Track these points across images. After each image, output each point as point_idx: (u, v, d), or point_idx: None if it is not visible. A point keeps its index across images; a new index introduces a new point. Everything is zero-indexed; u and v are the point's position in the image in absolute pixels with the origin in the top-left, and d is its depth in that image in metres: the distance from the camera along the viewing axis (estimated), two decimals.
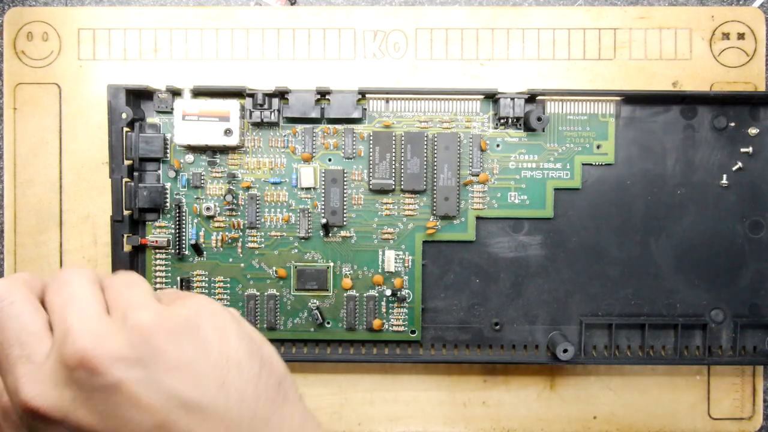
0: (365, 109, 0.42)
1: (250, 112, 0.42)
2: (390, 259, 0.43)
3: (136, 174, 0.42)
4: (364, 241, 0.43)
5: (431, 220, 0.43)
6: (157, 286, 0.43)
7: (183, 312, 0.23)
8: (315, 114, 0.42)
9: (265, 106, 0.42)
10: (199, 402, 0.21)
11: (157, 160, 0.42)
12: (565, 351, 0.41)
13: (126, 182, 0.41)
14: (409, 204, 0.43)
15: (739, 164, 0.43)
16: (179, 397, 0.21)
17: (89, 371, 0.20)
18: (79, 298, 0.22)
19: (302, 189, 0.43)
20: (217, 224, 0.43)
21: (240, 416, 0.22)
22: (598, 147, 0.43)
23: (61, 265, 0.44)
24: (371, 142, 0.42)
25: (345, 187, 0.42)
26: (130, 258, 0.42)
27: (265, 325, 0.43)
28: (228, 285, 0.43)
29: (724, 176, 0.43)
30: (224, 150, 0.42)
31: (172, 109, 0.41)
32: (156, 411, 0.20)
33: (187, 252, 0.43)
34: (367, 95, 0.42)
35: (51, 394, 0.21)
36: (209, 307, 0.23)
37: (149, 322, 0.22)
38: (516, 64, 0.44)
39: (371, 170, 0.42)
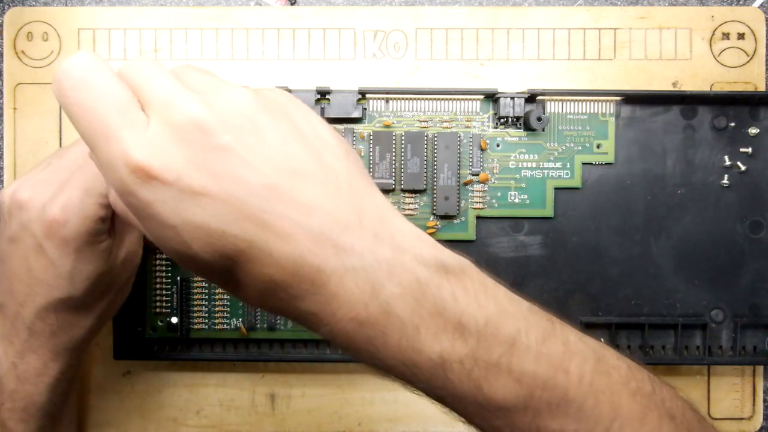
0: (365, 108, 0.42)
1: None
2: None
3: None
4: None
5: (431, 219, 0.43)
6: (157, 286, 0.43)
7: (272, 95, 0.24)
8: None
9: None
10: (304, 168, 0.22)
11: None
12: None
13: None
14: (409, 203, 0.43)
15: (739, 164, 0.43)
16: (286, 162, 0.22)
17: (202, 131, 0.21)
18: (164, 76, 0.23)
19: None
20: None
21: (339, 185, 0.23)
22: (598, 146, 0.43)
23: None
24: (371, 141, 0.42)
25: None
26: None
27: (265, 325, 0.43)
28: None
29: (725, 176, 0.43)
30: None
31: None
32: (267, 173, 0.22)
33: None
34: (367, 95, 0.42)
35: (163, 153, 0.21)
36: (290, 96, 0.25)
37: (247, 99, 0.23)
38: (516, 64, 0.44)
39: (371, 170, 0.42)
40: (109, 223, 0.32)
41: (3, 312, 0.33)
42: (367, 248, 0.23)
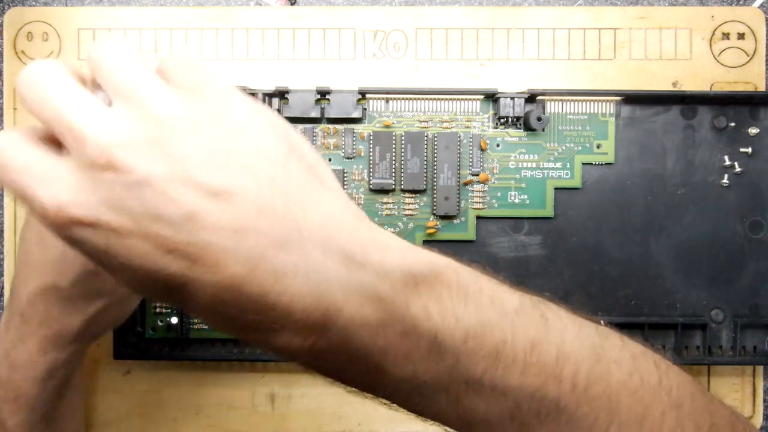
0: (365, 109, 0.42)
1: None
2: None
3: None
4: None
5: (431, 219, 0.43)
6: None
7: (204, 97, 0.22)
8: (315, 114, 0.42)
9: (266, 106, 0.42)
10: (228, 188, 0.20)
11: None
12: None
13: None
14: (409, 204, 0.43)
15: (739, 164, 0.43)
16: (207, 185, 0.20)
17: (113, 169, 0.20)
18: (71, 96, 0.21)
19: None
20: None
21: (273, 199, 0.20)
22: (598, 146, 0.43)
23: None
24: (371, 142, 0.42)
25: (345, 186, 0.42)
26: None
27: None
28: None
29: (725, 176, 0.43)
30: None
31: None
32: (186, 201, 0.20)
33: None
34: (367, 95, 0.42)
35: (78, 197, 0.20)
36: (231, 93, 0.22)
37: (170, 112, 0.21)
38: (516, 64, 0.44)
39: (371, 170, 0.42)
40: None
41: (11, 297, 0.34)
42: (313, 267, 0.20)
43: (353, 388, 0.23)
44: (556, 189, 0.43)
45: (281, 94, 0.42)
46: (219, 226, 0.20)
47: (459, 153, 0.42)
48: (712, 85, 0.44)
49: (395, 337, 0.21)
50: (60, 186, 0.20)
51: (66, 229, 0.20)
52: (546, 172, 0.43)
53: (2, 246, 0.45)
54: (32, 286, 0.32)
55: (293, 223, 0.20)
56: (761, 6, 0.45)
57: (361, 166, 0.43)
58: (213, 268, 0.20)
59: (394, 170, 0.42)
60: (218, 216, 0.20)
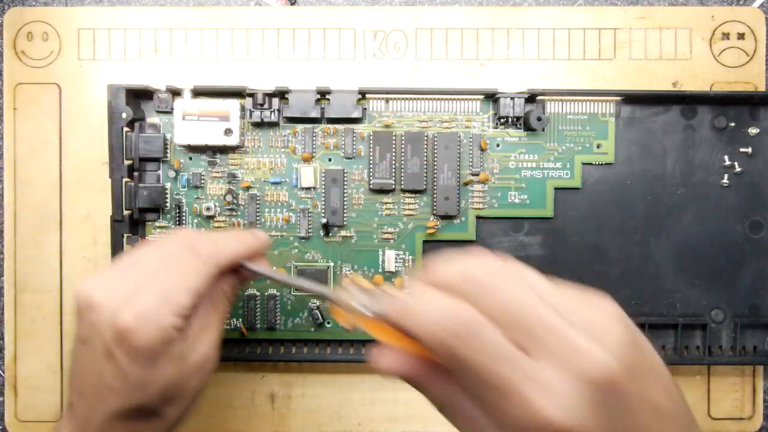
0: (365, 108, 0.42)
1: (250, 112, 0.42)
2: (390, 259, 0.43)
3: (136, 174, 0.42)
4: (364, 241, 0.43)
5: (431, 219, 0.43)
6: None
7: (640, 349, 0.22)
8: (315, 114, 0.42)
9: (265, 106, 0.42)
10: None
11: (157, 160, 0.42)
12: None
13: (126, 182, 0.41)
14: (409, 204, 0.43)
15: (739, 164, 0.43)
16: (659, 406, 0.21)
17: (616, 391, 0.20)
18: (543, 305, 0.21)
19: (302, 189, 0.43)
20: (217, 224, 0.43)
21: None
22: (598, 146, 0.43)
23: (60, 265, 0.44)
24: (371, 141, 0.42)
25: (345, 186, 0.42)
26: None
27: (265, 325, 0.43)
28: None
29: (725, 176, 0.43)
30: (224, 150, 0.42)
31: (172, 109, 0.41)
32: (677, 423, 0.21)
33: None
34: (367, 95, 0.42)
35: (578, 415, 0.20)
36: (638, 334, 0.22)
37: (624, 333, 0.21)
38: (516, 64, 0.44)
39: (371, 170, 0.42)
40: (184, 330, 0.30)
41: (72, 412, 0.30)
42: None
43: None
44: (556, 189, 0.43)
45: (281, 94, 0.42)
46: None
47: (459, 153, 0.42)
48: (712, 85, 0.44)
49: None
50: (556, 393, 0.20)
51: None
52: (546, 172, 0.43)
53: (2, 246, 0.45)
54: (110, 408, 0.29)
55: None
56: (761, 6, 0.45)
57: (361, 166, 0.43)
58: None
59: (394, 170, 0.42)
60: None
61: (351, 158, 0.43)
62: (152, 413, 0.30)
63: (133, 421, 0.30)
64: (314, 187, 0.43)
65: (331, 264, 0.43)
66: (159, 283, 0.29)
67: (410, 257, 0.43)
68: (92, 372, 0.29)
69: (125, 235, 0.41)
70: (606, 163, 0.43)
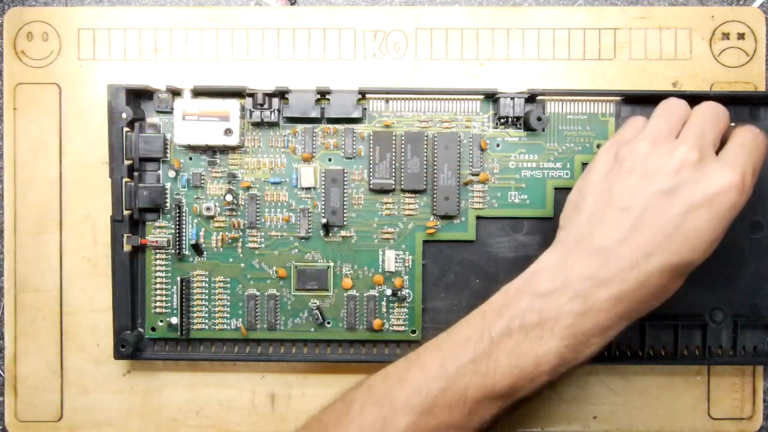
0: (365, 108, 0.42)
1: (250, 112, 0.42)
2: (390, 259, 0.43)
3: (136, 174, 0.42)
4: (364, 241, 0.43)
5: (431, 219, 0.43)
6: (157, 286, 0.43)
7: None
8: (315, 114, 0.42)
9: (265, 106, 0.42)
10: None
11: (157, 160, 0.42)
12: None
13: (126, 182, 0.41)
14: (409, 204, 0.43)
15: None
16: None
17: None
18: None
19: (302, 189, 0.43)
20: (217, 224, 0.43)
21: None
22: (598, 146, 0.43)
23: (61, 265, 0.44)
24: (371, 142, 0.42)
25: (345, 187, 0.43)
26: (130, 258, 0.42)
27: (265, 325, 0.43)
28: (228, 285, 0.43)
29: None
30: (224, 150, 0.42)
31: (172, 109, 0.41)
32: None
33: (187, 252, 0.43)
34: (367, 95, 0.42)
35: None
36: None
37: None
38: (516, 64, 0.44)
39: (371, 170, 0.42)
40: None
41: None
42: None
43: None
44: (556, 189, 0.43)
45: (281, 94, 0.42)
46: None
47: (459, 153, 0.42)
48: (712, 85, 0.44)
49: None
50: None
51: None
52: (546, 172, 0.43)
53: (2, 246, 0.45)
54: (659, 260, 0.33)
55: None
56: (761, 6, 0.45)
57: (361, 166, 0.43)
58: None
59: (394, 170, 0.42)
60: None
61: (351, 158, 0.43)
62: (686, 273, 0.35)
63: (673, 277, 0.34)
64: (314, 187, 0.43)
65: (331, 264, 0.43)
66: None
67: (410, 257, 0.43)
68: (656, 222, 0.33)
69: (125, 235, 0.41)
70: None
